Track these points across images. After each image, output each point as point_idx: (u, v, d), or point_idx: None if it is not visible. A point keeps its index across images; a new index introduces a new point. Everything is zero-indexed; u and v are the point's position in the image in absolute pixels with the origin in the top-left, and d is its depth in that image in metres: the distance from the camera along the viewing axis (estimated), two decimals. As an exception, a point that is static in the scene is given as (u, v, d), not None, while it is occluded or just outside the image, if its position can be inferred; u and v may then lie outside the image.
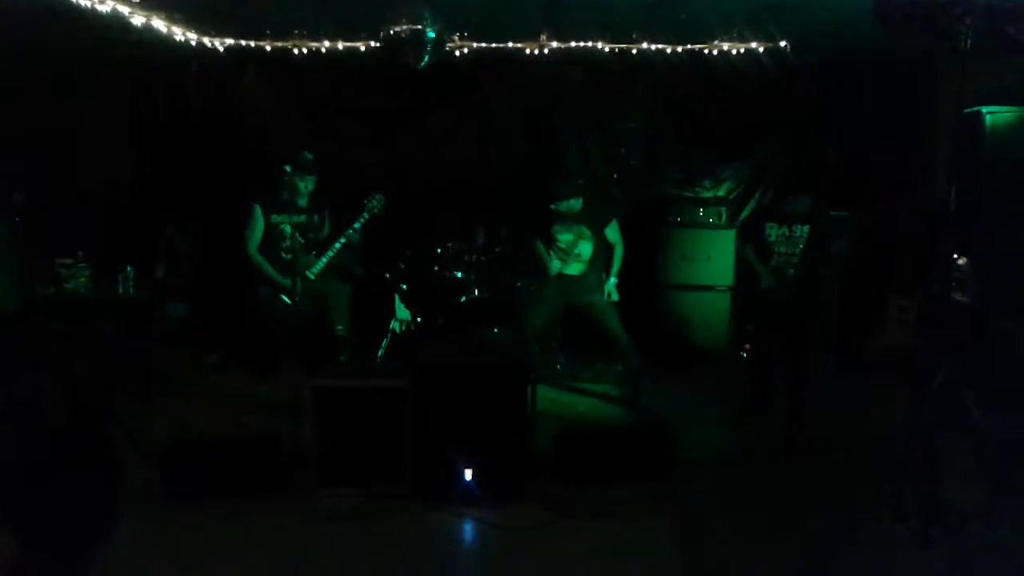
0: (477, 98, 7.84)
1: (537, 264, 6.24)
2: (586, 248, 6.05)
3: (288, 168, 5.46)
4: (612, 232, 6.10)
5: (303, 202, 5.52)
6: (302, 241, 5.50)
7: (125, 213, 7.58)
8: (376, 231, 5.82)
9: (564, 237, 6.06)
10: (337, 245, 5.58)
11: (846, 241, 5.27)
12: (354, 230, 5.59)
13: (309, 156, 5.48)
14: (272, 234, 5.54)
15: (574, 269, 6.09)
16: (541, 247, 6.20)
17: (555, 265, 6.10)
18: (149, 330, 7.33)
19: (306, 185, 5.47)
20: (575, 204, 5.99)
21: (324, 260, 5.58)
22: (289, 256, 5.52)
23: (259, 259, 5.51)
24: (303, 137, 7.65)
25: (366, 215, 5.61)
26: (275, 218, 5.54)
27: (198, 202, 7.79)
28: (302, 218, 5.52)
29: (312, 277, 5.54)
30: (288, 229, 5.55)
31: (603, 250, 6.10)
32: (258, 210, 5.51)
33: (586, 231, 6.04)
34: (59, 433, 1.84)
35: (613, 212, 6.27)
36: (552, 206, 6.03)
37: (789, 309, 5.57)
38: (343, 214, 5.68)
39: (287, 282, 5.47)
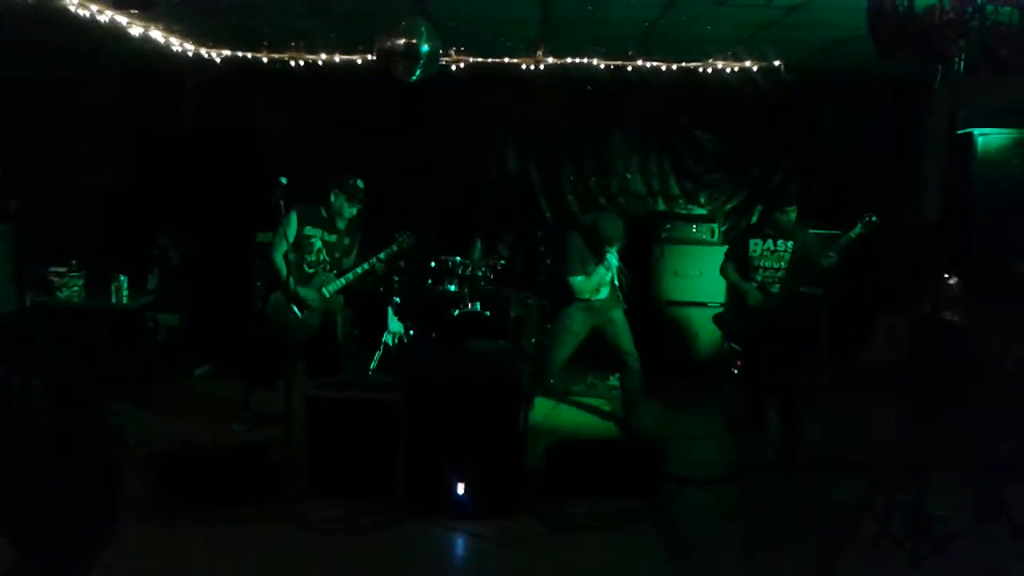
0: (472, 112, 7.87)
1: (564, 292, 6.03)
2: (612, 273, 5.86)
3: (336, 192, 5.37)
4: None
5: (341, 224, 5.47)
6: (327, 259, 5.48)
7: (119, 222, 7.57)
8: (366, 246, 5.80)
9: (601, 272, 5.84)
10: (359, 270, 5.53)
11: (836, 258, 5.28)
12: (379, 260, 5.54)
13: (360, 184, 5.37)
14: (301, 244, 5.48)
15: (603, 294, 5.91)
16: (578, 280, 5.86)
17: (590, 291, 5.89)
18: (141, 339, 7.30)
19: (351, 212, 5.42)
20: (623, 241, 5.80)
21: (342, 281, 5.52)
22: (312, 270, 5.51)
23: (281, 264, 5.41)
24: (299, 149, 7.71)
25: (394, 247, 5.55)
26: (308, 230, 5.48)
27: (192, 213, 7.79)
28: (334, 237, 5.48)
29: (327, 296, 5.49)
30: (318, 244, 5.51)
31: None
32: (294, 217, 5.39)
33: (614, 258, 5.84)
34: (53, 441, 1.84)
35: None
36: (607, 251, 5.75)
37: (776, 325, 5.57)
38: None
39: (301, 294, 5.38)
